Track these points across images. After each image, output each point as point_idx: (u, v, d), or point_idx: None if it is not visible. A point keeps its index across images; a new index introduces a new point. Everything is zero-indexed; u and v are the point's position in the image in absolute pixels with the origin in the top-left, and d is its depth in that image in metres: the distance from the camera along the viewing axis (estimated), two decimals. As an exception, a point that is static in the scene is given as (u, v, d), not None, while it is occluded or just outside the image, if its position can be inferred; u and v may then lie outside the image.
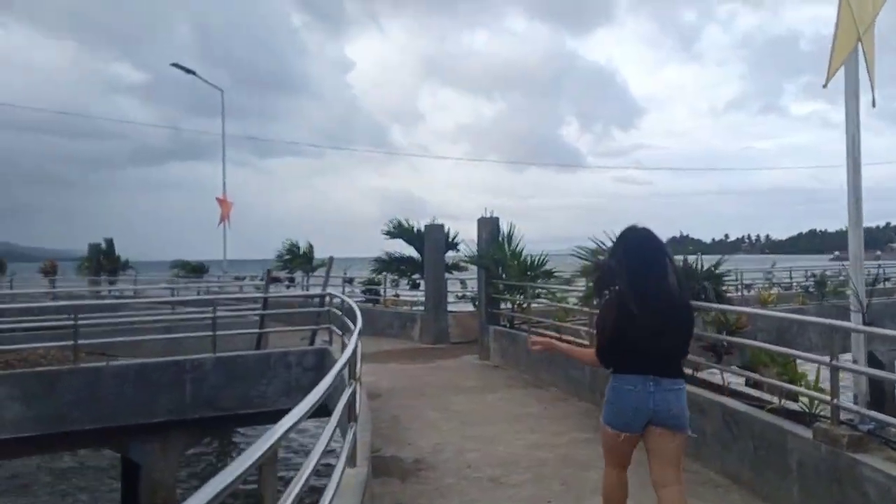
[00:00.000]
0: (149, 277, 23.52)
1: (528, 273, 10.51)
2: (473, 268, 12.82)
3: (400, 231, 13.81)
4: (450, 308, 14.42)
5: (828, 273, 16.15)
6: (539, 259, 10.52)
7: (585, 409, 7.61)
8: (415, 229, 13.80)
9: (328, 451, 3.22)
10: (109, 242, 23.92)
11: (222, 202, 20.75)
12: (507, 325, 11.15)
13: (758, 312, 7.56)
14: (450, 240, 14.02)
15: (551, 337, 9.22)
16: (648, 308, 3.36)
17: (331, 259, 9.11)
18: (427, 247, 13.45)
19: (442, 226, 13.73)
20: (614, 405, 3.46)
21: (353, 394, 4.30)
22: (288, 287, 19.51)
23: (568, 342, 7.03)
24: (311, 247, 18.49)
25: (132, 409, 8.38)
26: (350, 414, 4.22)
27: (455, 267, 14.02)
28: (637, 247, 3.56)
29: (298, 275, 18.84)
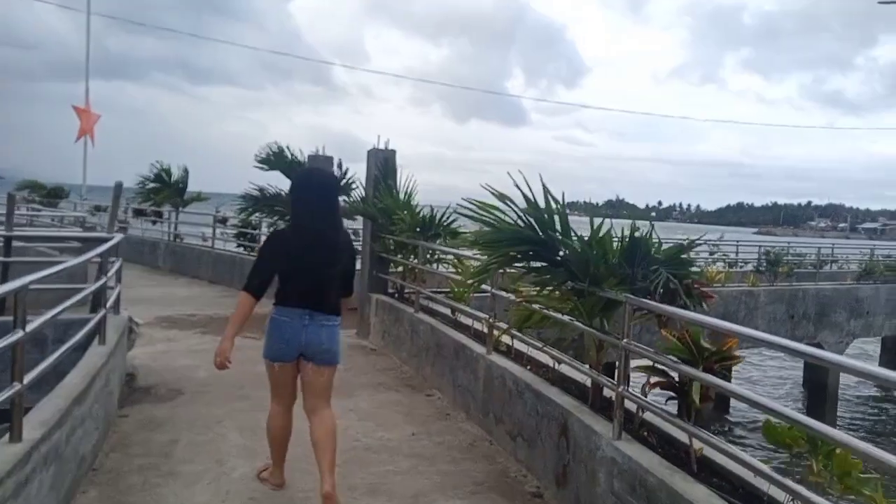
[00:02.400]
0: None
1: (422, 230, 7.77)
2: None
3: (277, 161, 10.73)
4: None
5: (777, 251, 14.27)
6: (442, 215, 7.77)
7: (474, 441, 5.06)
8: (297, 160, 10.77)
9: None
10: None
11: (82, 112, 16.94)
12: (395, 296, 8.47)
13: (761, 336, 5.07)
14: (342, 179, 11.06)
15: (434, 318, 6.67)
16: (309, 244, 3.57)
17: (118, 185, 6.06)
18: None
19: (330, 158, 10.73)
20: (270, 336, 3.65)
21: None
22: (154, 224, 16.17)
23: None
24: (185, 174, 15.13)
25: None
26: None
27: (345, 214, 11.01)
28: (307, 186, 3.70)
29: (167, 209, 15.50)
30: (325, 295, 3.60)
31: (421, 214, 7.95)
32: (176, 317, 9.57)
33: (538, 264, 4.22)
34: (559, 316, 4.29)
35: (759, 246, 14.51)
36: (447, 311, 7.23)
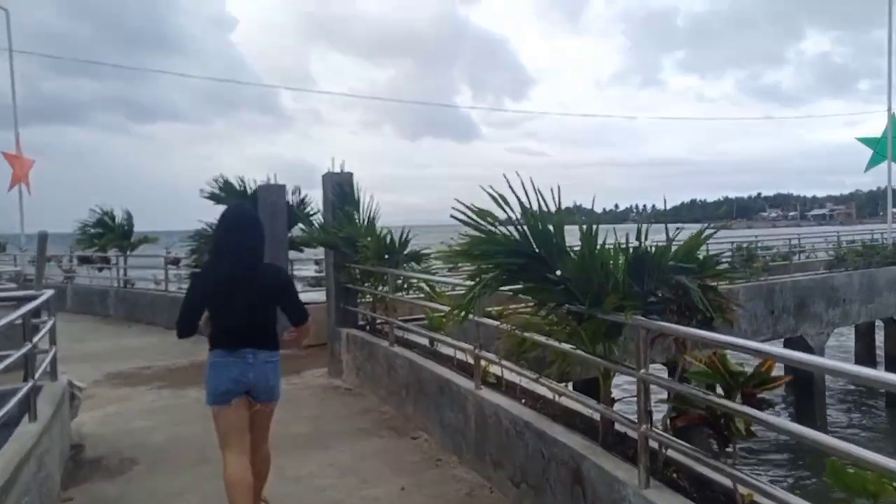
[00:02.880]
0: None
1: (389, 256, 7.22)
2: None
3: (228, 193, 10.08)
4: (303, 297, 10.97)
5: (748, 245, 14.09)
6: (401, 236, 7.23)
7: (471, 491, 4.51)
8: (247, 191, 10.13)
9: None
10: None
11: (13, 159, 15.95)
12: (367, 328, 7.89)
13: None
14: (300, 206, 10.46)
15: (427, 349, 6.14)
16: (228, 286, 3.54)
17: (44, 236, 5.38)
18: (262, 215, 9.77)
19: (282, 187, 10.14)
20: (216, 380, 3.52)
21: None
22: (101, 270, 15.22)
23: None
24: (129, 217, 14.28)
25: None
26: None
27: (304, 243, 10.41)
28: (222, 225, 3.71)
29: (114, 254, 14.58)
30: (260, 334, 3.60)
31: (387, 239, 7.40)
32: (128, 372, 8.79)
33: (530, 284, 3.72)
34: (558, 345, 3.79)
35: (732, 242, 14.35)
36: (425, 341, 6.70)
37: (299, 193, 10.09)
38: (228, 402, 3.51)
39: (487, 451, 4.58)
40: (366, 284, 7.87)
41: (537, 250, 3.62)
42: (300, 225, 10.29)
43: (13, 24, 16.59)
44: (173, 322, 3.72)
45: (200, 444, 5.34)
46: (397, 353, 6.46)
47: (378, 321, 7.69)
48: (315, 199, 10.52)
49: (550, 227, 3.62)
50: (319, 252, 10.82)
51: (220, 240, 3.69)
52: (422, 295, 7.29)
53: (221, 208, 6.51)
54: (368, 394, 7.15)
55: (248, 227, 3.70)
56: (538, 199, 3.61)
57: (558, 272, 3.57)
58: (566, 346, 3.74)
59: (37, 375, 4.44)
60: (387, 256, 7.32)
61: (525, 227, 3.64)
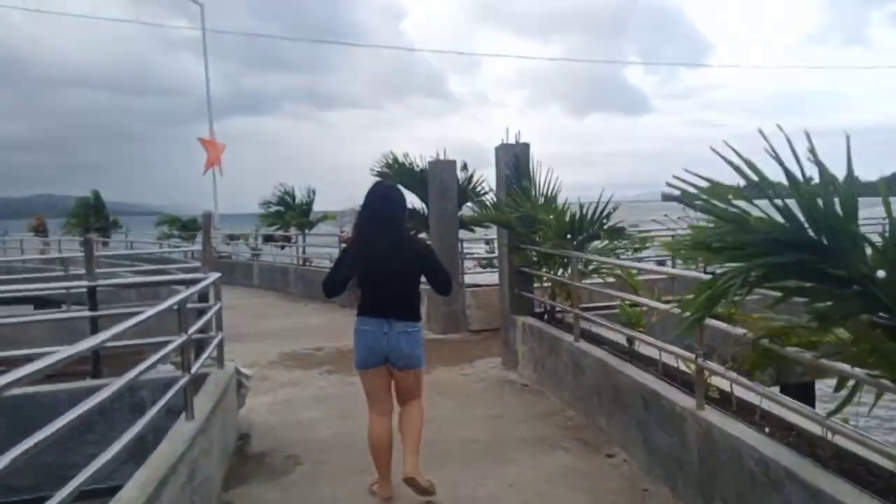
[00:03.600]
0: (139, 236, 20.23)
1: (574, 235, 6.21)
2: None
3: (397, 171, 9.63)
4: (474, 278, 10.31)
5: None
6: (596, 210, 6.17)
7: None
8: (415, 167, 9.60)
9: None
10: (97, 195, 20.71)
11: (207, 144, 16.98)
12: (544, 317, 6.98)
13: None
14: (468, 184, 9.79)
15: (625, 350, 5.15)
16: (372, 258, 3.75)
17: (207, 215, 5.08)
18: (431, 193, 9.23)
19: (453, 162, 9.47)
20: (357, 345, 3.84)
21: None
22: (283, 248, 15.74)
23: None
24: (312, 195, 14.51)
25: None
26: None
27: (474, 222, 9.70)
28: (366, 201, 3.88)
29: (294, 233, 14.98)
30: (399, 304, 3.78)
31: (571, 216, 6.40)
32: (302, 353, 8.66)
33: (808, 285, 2.56)
34: (856, 371, 2.60)
35: None
36: (614, 335, 5.65)
37: (468, 170, 9.36)
38: (367, 368, 3.84)
39: (719, 493, 3.49)
40: (543, 269, 6.95)
41: (818, 238, 2.46)
42: (469, 203, 9.60)
43: (213, 24, 17.62)
44: (345, 301, 4.13)
45: (364, 447, 4.76)
46: (585, 351, 5.49)
47: (557, 309, 6.76)
48: (486, 177, 9.79)
49: (837, 206, 2.43)
50: (490, 232, 10.09)
51: (363, 215, 3.88)
52: (611, 280, 6.24)
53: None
54: (549, 393, 6.27)
55: (393, 200, 3.89)
56: (822, 173, 2.44)
57: (853, 270, 2.40)
58: (862, 372, 2.55)
59: (196, 366, 4.05)
60: (568, 236, 6.34)
61: (797, 206, 2.49)
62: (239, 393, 5.36)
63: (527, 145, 7.36)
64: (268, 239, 15.84)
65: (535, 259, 7.04)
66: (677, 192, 2.75)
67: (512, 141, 7.40)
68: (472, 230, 10.29)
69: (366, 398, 3.96)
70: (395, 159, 9.70)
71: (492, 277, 10.16)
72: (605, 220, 6.22)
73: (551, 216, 6.35)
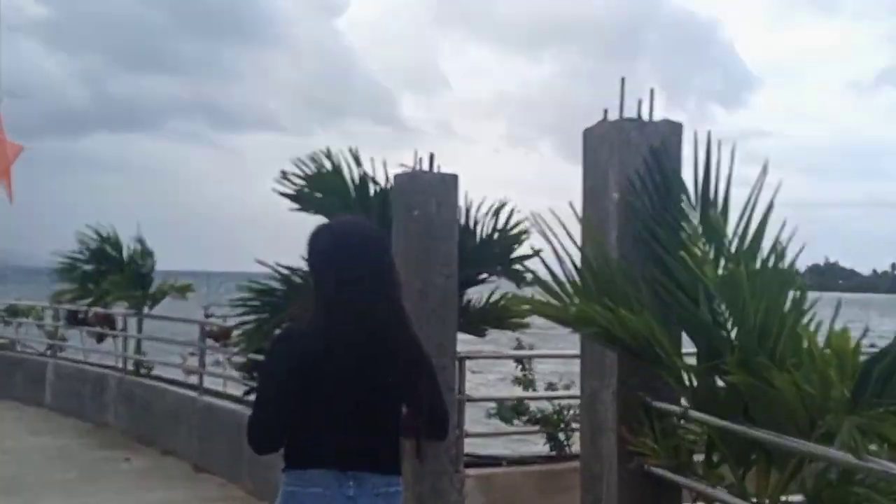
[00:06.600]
0: None
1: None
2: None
3: (328, 192, 4.14)
4: (485, 444, 4.69)
5: None
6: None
7: None
8: (371, 183, 4.14)
9: None
10: None
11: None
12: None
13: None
14: (495, 228, 4.30)
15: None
16: (353, 355, 2.01)
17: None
18: (397, 240, 3.75)
19: (452, 177, 4.03)
20: None
21: None
22: (101, 340, 9.33)
23: None
24: (141, 246, 8.44)
25: None
26: None
27: (511, 315, 4.19)
28: (338, 250, 2.10)
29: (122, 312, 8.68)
30: (376, 444, 2.04)
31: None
32: None
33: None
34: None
35: None
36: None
37: (499, 206, 4.03)
38: None
39: None
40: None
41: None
42: (487, 273, 4.06)
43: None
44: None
45: None
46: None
47: None
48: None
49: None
50: (534, 338, 4.53)
51: (328, 276, 2.09)
52: None
53: (313, 223, 2.61)
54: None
55: (375, 256, 2.11)
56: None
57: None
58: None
59: None
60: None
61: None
62: None
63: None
64: (74, 320, 9.44)
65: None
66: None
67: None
68: (482, 334, 4.78)
69: None
70: (330, 168, 4.19)
71: (529, 448, 4.96)
72: None
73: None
